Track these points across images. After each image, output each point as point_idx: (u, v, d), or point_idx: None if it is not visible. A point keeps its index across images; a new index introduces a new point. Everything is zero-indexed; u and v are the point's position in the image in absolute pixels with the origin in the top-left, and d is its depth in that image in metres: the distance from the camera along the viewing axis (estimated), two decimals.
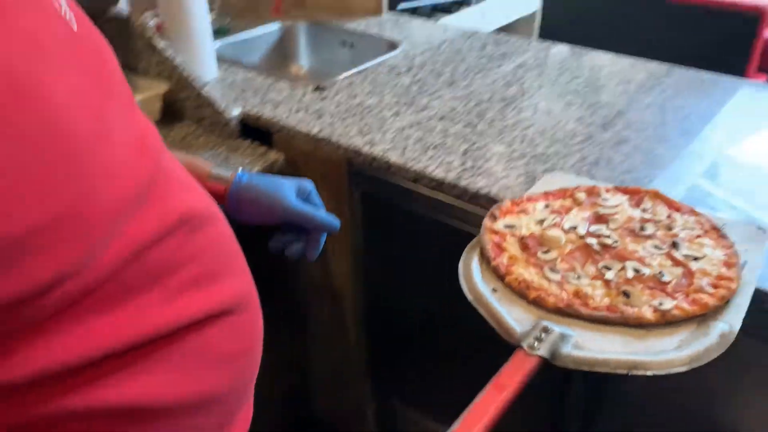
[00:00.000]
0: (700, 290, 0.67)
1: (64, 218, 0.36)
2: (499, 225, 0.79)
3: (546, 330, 0.64)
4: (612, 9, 2.73)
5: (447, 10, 2.19)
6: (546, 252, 0.74)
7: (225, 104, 1.21)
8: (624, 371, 0.60)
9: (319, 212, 0.75)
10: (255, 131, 1.22)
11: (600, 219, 0.79)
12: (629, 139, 1.08)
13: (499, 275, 0.72)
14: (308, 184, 0.77)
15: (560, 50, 1.49)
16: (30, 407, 0.39)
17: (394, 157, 1.05)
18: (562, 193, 0.85)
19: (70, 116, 0.37)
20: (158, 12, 1.32)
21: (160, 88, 1.24)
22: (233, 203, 0.73)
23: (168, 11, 1.28)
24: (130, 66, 1.28)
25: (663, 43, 2.47)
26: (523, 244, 0.76)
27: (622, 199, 0.82)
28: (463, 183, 0.97)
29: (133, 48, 1.26)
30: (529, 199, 0.84)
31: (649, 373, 0.60)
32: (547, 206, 0.82)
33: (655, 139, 1.08)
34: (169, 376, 0.45)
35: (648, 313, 0.65)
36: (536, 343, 0.62)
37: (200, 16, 1.29)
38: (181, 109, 1.27)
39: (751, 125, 1.15)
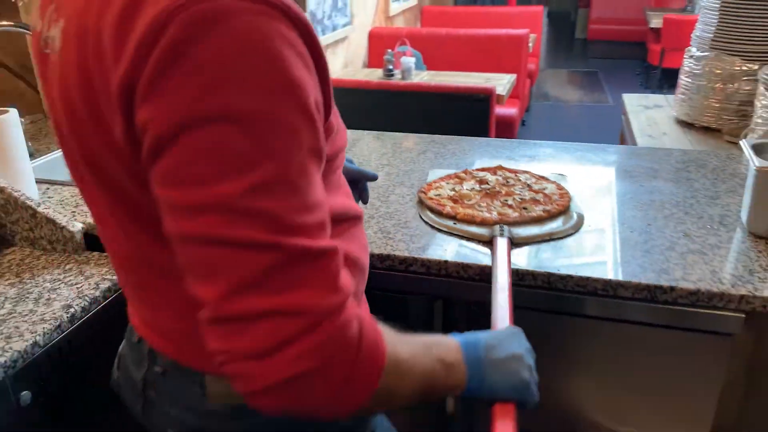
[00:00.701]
0: (557, 201, 1.23)
1: (341, 126, 0.69)
2: (431, 194, 1.27)
3: (501, 228, 1.12)
4: (373, 103, 3.16)
5: None
6: (469, 200, 1.24)
7: (65, 220, 1.18)
8: (548, 239, 1.12)
9: (365, 168, 1.03)
10: (98, 242, 1.20)
11: (482, 182, 1.32)
12: None
13: (450, 217, 1.19)
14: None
15: (360, 133, 1.73)
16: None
17: None
18: (450, 177, 1.36)
19: None
20: None
21: None
22: None
23: None
24: None
25: (421, 124, 2.93)
26: (453, 199, 1.25)
27: (485, 173, 1.37)
28: None
29: None
30: (435, 182, 1.34)
31: (559, 236, 1.13)
32: (447, 183, 1.32)
33: None
34: (356, 245, 0.73)
35: (541, 213, 1.18)
36: (501, 233, 1.09)
37: (19, 141, 1.25)
38: (8, 235, 1.20)
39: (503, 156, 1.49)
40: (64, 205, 1.29)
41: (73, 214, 1.24)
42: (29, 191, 1.28)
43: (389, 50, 3.87)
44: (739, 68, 1.84)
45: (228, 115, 0.48)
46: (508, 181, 1.33)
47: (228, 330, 0.50)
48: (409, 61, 3.75)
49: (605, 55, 7.64)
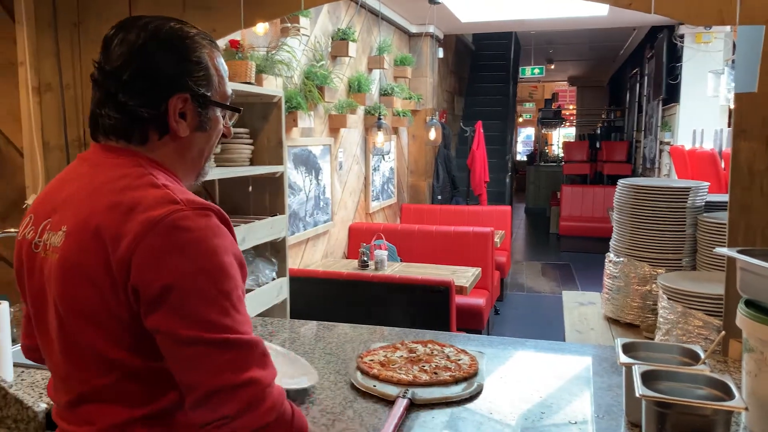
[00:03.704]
0: (465, 369, 1.49)
1: None
2: (366, 360, 1.54)
3: (406, 390, 1.37)
4: (345, 291, 3.40)
5: None
6: (394, 365, 1.52)
7: (32, 401, 1.34)
8: (443, 401, 1.35)
9: None
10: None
11: (412, 351, 1.61)
12: None
13: (375, 377, 1.45)
14: None
15: (311, 326, 1.94)
16: None
17: None
18: (387, 347, 1.64)
19: None
20: None
21: None
22: None
23: None
24: None
25: (388, 312, 3.15)
26: (381, 363, 1.52)
27: (417, 344, 1.65)
28: None
29: None
30: (374, 350, 1.62)
31: (454, 400, 1.36)
32: (383, 351, 1.60)
33: None
34: None
35: (447, 378, 1.44)
36: (403, 395, 1.34)
37: (5, 331, 1.46)
38: None
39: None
40: (34, 387, 1.45)
41: (40, 395, 1.40)
42: (5, 374, 1.45)
43: (364, 244, 4.23)
44: (648, 272, 2.11)
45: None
46: (433, 352, 1.60)
47: (218, 401, 0.81)
48: (381, 253, 4.08)
49: (576, 248, 8.13)
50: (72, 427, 0.95)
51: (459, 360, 1.56)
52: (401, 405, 1.30)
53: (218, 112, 0.99)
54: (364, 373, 1.48)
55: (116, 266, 0.83)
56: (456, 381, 1.44)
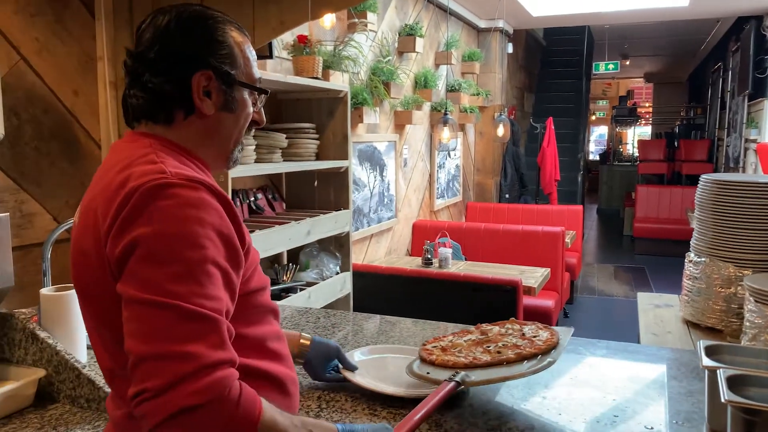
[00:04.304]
0: (537, 345, 1.29)
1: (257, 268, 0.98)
2: (428, 347, 1.41)
3: (456, 373, 1.22)
4: (408, 288, 3.37)
5: (277, 297, 2.60)
6: (455, 348, 1.37)
7: (103, 382, 1.38)
8: (500, 381, 1.21)
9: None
10: None
11: (484, 333, 1.44)
12: None
13: (431, 363, 1.32)
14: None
15: (374, 320, 1.92)
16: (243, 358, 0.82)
17: None
18: (459, 332, 1.49)
19: None
20: (38, 307, 1.51)
21: (37, 374, 1.38)
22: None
23: (49, 307, 1.48)
24: (5, 358, 1.42)
25: (450, 310, 3.09)
26: (443, 349, 1.38)
27: (493, 326, 1.47)
28: None
29: (11, 340, 1.42)
30: (444, 336, 1.48)
31: (512, 379, 1.22)
32: (452, 336, 1.46)
33: None
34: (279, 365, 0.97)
35: (511, 356, 1.25)
36: (450, 378, 1.20)
37: (78, 313, 1.51)
38: (54, 392, 1.40)
39: None
40: None
41: None
42: (80, 355, 1.50)
43: (428, 241, 4.18)
44: (733, 274, 1.97)
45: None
46: (507, 332, 1.40)
47: (143, 371, 0.73)
48: (446, 251, 4.02)
49: (651, 251, 7.77)
50: (112, 409, 0.96)
51: (535, 336, 1.33)
52: (443, 390, 1.15)
53: (246, 94, 0.99)
54: (423, 360, 1.34)
55: (102, 241, 0.83)
56: (522, 359, 1.23)
